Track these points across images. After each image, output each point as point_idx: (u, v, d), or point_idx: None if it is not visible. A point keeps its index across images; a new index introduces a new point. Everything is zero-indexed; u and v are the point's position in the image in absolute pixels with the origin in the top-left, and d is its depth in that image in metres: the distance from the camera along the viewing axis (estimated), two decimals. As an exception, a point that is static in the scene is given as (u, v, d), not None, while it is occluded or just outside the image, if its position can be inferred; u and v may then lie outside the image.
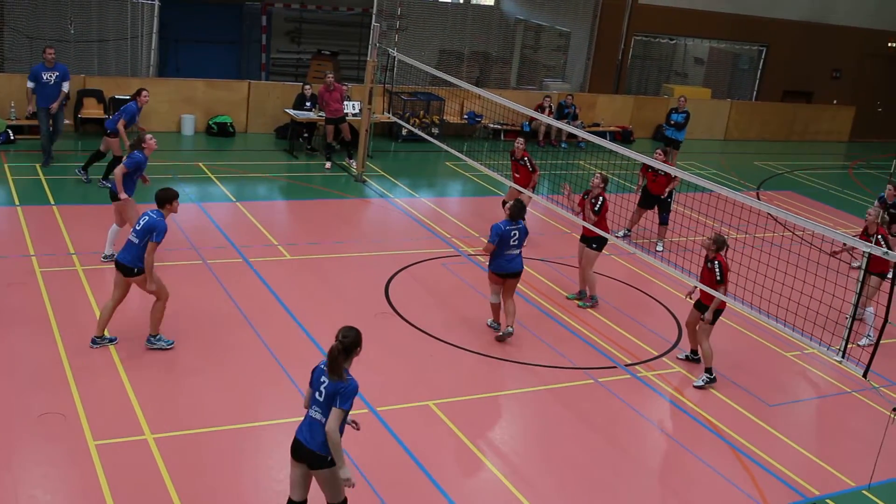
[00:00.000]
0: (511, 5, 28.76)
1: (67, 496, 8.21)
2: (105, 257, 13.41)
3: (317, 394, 7.18)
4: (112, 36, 22.11)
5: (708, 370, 11.92)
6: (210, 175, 18.56)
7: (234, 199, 17.08)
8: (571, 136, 24.95)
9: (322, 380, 7.15)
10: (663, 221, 17.16)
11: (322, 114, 20.54)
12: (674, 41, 31.40)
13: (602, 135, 23.32)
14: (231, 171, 19.03)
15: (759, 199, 18.22)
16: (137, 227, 10.55)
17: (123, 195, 13.01)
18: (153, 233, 10.38)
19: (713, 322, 11.73)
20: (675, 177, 16.32)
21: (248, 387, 10.40)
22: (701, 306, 11.92)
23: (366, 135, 19.30)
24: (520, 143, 15.95)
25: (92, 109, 20.65)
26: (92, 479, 8.34)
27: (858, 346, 13.33)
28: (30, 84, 17.67)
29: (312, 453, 7.21)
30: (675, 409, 11.27)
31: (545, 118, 17.19)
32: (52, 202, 15.72)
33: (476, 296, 13.77)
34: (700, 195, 17.94)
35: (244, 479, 8.75)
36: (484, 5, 28.65)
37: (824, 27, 31.47)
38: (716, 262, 11.54)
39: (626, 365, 12.17)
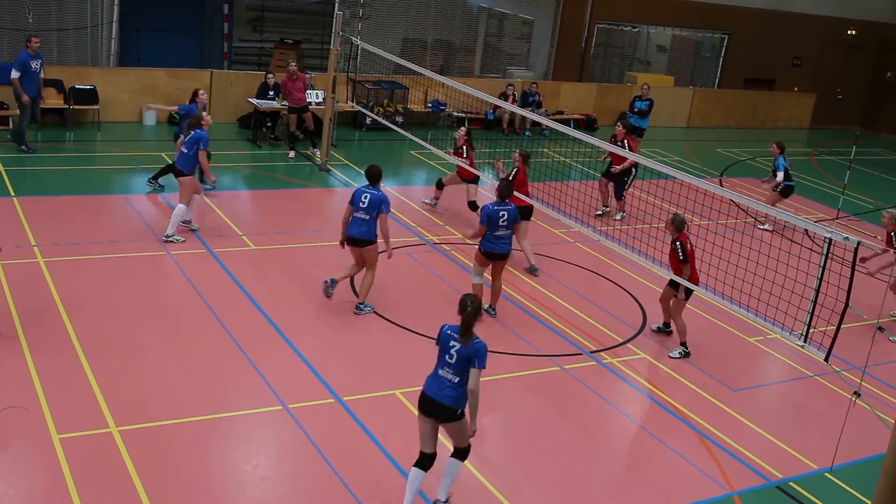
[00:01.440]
0: (474, -7, 28.73)
1: (32, 491, 8.12)
2: (167, 237, 14.06)
3: (447, 356, 8.12)
4: (72, 25, 21.84)
5: (683, 343, 12.44)
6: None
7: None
8: (535, 123, 25.00)
9: (452, 344, 8.11)
10: (618, 196, 18.10)
11: (285, 103, 20.43)
12: (637, 29, 31.51)
13: (566, 122, 23.39)
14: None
15: (721, 185, 18.34)
16: (363, 205, 11.98)
17: (213, 177, 15.37)
18: (381, 204, 11.98)
19: (686, 299, 12.14)
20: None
21: (214, 378, 10.34)
22: (674, 283, 12.29)
23: (330, 124, 19.22)
24: (461, 132, 16.50)
25: (52, 99, 20.36)
26: (56, 473, 8.26)
27: None
28: (16, 74, 17.45)
29: (445, 408, 8.03)
30: (640, 395, 11.34)
31: (509, 106, 17.20)
32: (13, 193, 15.52)
33: (441, 284, 13.78)
34: (664, 182, 18.02)
35: (211, 471, 8.70)
36: (447, -7, 28.61)
37: (786, 15, 31.72)
38: (677, 243, 11.97)
39: (592, 352, 12.23)
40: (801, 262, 12.92)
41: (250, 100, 21.63)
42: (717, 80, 32.37)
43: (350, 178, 18.88)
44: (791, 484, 9.73)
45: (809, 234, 17.62)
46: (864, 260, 14.18)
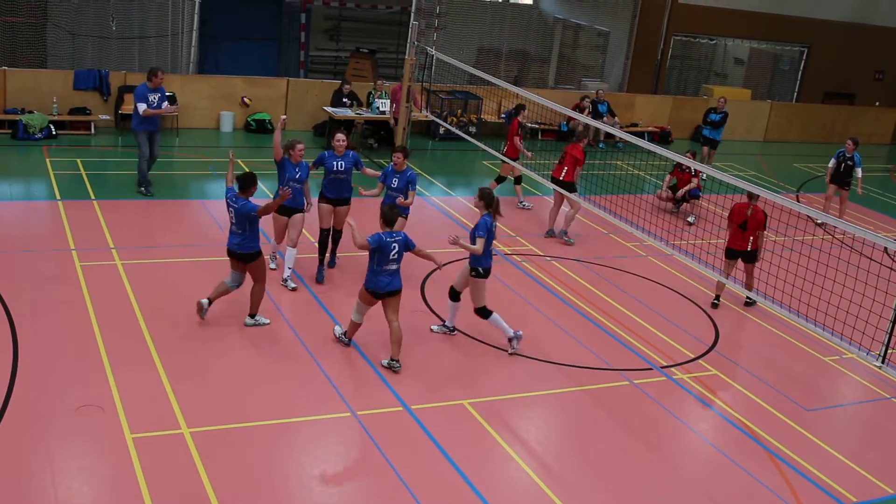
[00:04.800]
0: (550, 4, 28.70)
1: (104, 488, 8.28)
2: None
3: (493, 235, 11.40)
4: (153, 33, 22.33)
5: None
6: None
7: (272, 196, 17.13)
8: (609, 136, 24.87)
9: (493, 227, 11.41)
10: (694, 195, 18.99)
11: (360, 111, 20.66)
12: (714, 41, 31.19)
13: (640, 135, 23.21)
14: (269, 168, 19.05)
15: (798, 201, 18.07)
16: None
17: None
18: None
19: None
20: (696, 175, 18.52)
21: (283, 383, 10.43)
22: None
23: (404, 133, 19.32)
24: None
25: (132, 105, 20.77)
26: (128, 471, 8.41)
27: None
28: (143, 106, 16.07)
29: None
30: (710, 412, 11.18)
31: (582, 118, 17.11)
32: (93, 197, 15.88)
33: (511, 295, 13.75)
34: (738, 197, 17.78)
35: (277, 475, 8.78)
36: (523, 4, 28.59)
37: (867, 28, 31.14)
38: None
39: (662, 367, 12.10)
40: (881, 281, 12.66)
41: (325, 108, 21.84)
42: (795, 93, 31.87)
43: (423, 188, 18.94)
44: (865, 508, 9.53)
45: (889, 253, 17.24)
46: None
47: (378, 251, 10.59)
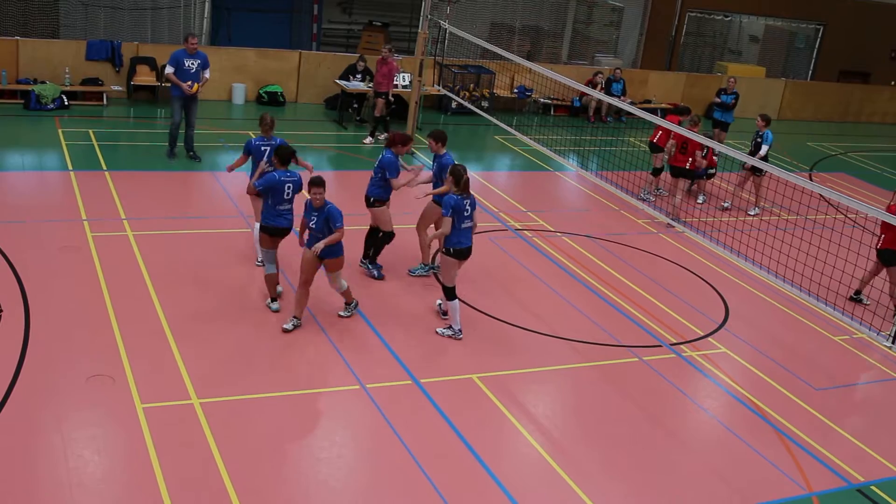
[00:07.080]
0: (564, -21, 28.55)
1: (114, 457, 8.33)
2: None
3: (464, 212, 10.82)
4: (166, 3, 22.28)
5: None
6: (260, 144, 18.64)
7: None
8: (618, 111, 24.84)
9: (467, 205, 10.83)
10: (700, 176, 17.91)
11: (371, 85, 20.63)
12: (729, 18, 30.99)
13: (653, 111, 23.11)
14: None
15: (811, 180, 18.00)
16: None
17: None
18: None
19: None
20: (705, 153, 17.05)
21: (294, 355, 10.48)
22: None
23: (415, 107, 19.28)
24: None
25: (144, 76, 20.81)
26: (139, 441, 8.47)
27: None
28: (170, 69, 16.37)
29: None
30: (719, 390, 11.19)
31: (596, 93, 17.06)
32: (105, 168, 15.90)
33: (523, 271, 13.75)
34: (751, 175, 17.73)
35: (286, 446, 8.82)
36: (537, -22, 28.45)
37: (883, 6, 30.91)
38: None
39: (672, 344, 12.10)
40: (892, 261, 12.62)
41: (337, 81, 21.80)
42: (810, 72, 31.67)
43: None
44: (872, 487, 9.52)
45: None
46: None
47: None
